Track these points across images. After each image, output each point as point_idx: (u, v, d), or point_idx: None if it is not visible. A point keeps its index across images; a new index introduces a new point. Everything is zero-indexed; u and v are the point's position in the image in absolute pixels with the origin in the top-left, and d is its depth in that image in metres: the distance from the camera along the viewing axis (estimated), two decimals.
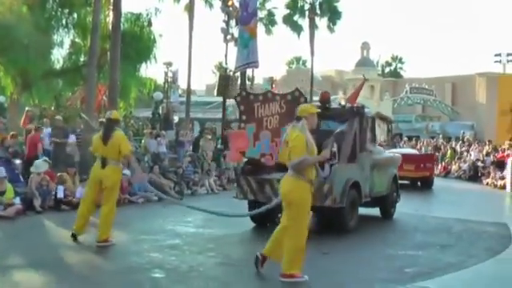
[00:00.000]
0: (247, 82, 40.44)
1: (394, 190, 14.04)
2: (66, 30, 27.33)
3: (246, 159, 12.26)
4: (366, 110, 12.91)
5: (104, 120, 10.99)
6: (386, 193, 13.55)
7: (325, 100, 12.57)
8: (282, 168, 8.63)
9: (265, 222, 11.71)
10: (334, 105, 13.68)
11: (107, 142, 9.81)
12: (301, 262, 7.63)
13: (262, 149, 11.70)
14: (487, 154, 27.34)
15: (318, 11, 49.16)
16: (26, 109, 23.09)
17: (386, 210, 13.81)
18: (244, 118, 12.08)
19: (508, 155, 24.84)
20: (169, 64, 38.32)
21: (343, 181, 11.37)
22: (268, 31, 49.86)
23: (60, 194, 13.76)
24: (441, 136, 36.58)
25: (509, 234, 12.23)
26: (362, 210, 12.58)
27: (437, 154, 32.85)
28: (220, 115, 28.39)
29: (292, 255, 7.59)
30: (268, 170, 11.66)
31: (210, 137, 25.14)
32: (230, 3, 28.33)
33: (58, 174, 14.48)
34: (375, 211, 13.77)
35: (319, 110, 8.43)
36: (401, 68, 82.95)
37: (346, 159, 11.57)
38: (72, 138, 17.81)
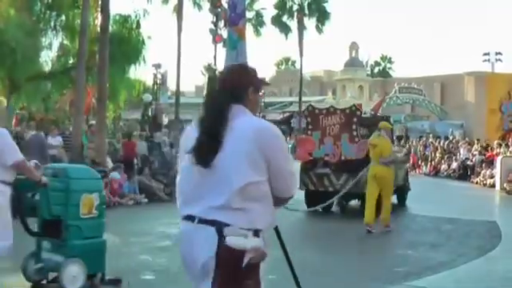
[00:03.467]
0: None
1: (407, 181, 16.75)
2: (54, 32, 27.23)
3: (311, 158, 14.96)
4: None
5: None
6: (403, 183, 16.11)
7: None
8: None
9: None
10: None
11: None
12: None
13: (326, 150, 14.79)
14: (479, 153, 27.42)
15: (307, 12, 49.26)
16: (16, 111, 23.01)
17: (403, 197, 16.44)
18: (311, 126, 15.29)
19: (497, 154, 24.93)
20: (158, 66, 38.25)
21: None
22: (257, 32, 49.89)
23: None
24: (431, 135, 36.66)
25: (498, 232, 12.28)
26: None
27: (426, 153, 32.98)
28: None
29: (388, 212, 12.15)
30: (321, 167, 14.71)
31: None
32: (218, 4, 28.34)
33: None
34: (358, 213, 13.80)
35: (391, 126, 14.02)
36: (390, 68, 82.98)
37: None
38: (58, 140, 17.68)
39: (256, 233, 3.23)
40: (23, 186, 6.58)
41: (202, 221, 3.22)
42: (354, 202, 15.51)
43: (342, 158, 14.53)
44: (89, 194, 6.91)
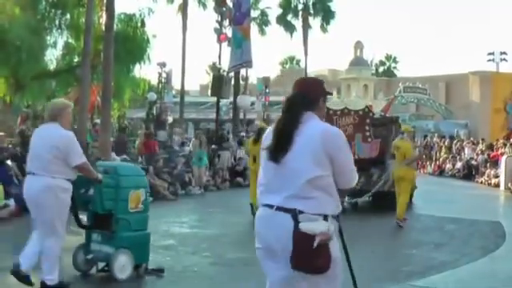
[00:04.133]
0: (241, 82, 40.52)
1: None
2: (59, 30, 27.29)
3: None
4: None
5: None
6: None
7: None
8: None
9: None
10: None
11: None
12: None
13: None
14: (481, 152, 27.37)
15: (312, 11, 49.24)
16: (23, 110, 23.06)
17: (411, 195, 16.08)
18: None
19: (502, 153, 24.88)
20: (162, 64, 38.27)
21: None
22: (261, 31, 49.88)
23: None
24: (436, 135, 36.61)
25: (502, 232, 12.25)
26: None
27: (431, 152, 32.91)
28: (214, 115, 28.38)
29: (403, 207, 12.87)
30: None
31: (204, 137, 25.13)
32: (222, 3, 28.32)
33: None
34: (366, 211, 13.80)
35: (412, 130, 14.96)
36: (395, 67, 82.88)
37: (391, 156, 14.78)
38: None
39: (325, 217, 3.90)
40: (77, 183, 6.96)
41: (280, 208, 3.89)
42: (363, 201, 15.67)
43: (356, 157, 14.39)
44: (136, 190, 7.50)
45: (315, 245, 3.75)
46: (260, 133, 13.12)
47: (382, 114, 18.17)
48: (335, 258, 3.95)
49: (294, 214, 3.82)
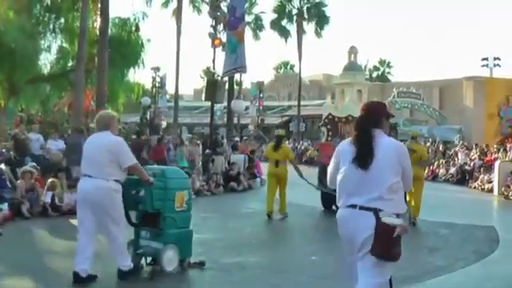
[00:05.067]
0: (235, 86, 40.58)
1: None
2: (53, 34, 27.31)
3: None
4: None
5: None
6: None
7: None
8: None
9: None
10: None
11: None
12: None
13: None
14: (479, 158, 27.42)
15: (306, 16, 49.33)
16: (18, 114, 23.01)
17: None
18: (330, 133, 16.77)
19: (495, 158, 24.94)
20: (157, 69, 38.35)
21: None
22: (256, 36, 49.97)
23: (47, 200, 13.66)
24: (430, 140, 36.71)
25: (496, 237, 12.27)
26: None
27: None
28: (208, 120, 28.36)
29: (419, 204, 14.02)
30: None
31: (198, 142, 25.13)
32: (217, 7, 28.31)
33: (50, 180, 14.26)
34: None
35: (420, 135, 16.32)
36: (388, 72, 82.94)
37: None
38: (60, 145, 17.70)
39: (397, 215, 4.93)
40: (128, 185, 7.70)
41: (363, 208, 4.87)
42: None
43: None
44: (181, 191, 8.27)
45: (395, 235, 4.72)
46: (279, 140, 14.90)
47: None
48: None
49: (375, 212, 4.82)
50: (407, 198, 13.45)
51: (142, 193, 7.91)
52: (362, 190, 4.89)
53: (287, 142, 34.35)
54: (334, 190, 5.18)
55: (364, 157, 4.93)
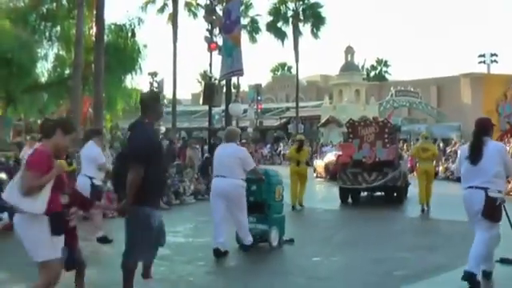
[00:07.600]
0: (233, 90, 40.55)
1: (407, 179, 19.71)
2: (49, 43, 27.32)
3: (349, 160, 18.79)
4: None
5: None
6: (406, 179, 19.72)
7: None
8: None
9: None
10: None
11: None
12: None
13: (364, 153, 18.31)
14: None
15: (302, 17, 49.28)
16: (14, 123, 22.99)
17: (406, 192, 19.28)
18: (351, 135, 18.97)
19: None
20: (154, 74, 38.34)
21: (404, 171, 18.86)
22: (252, 39, 49.98)
23: None
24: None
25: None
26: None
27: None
28: (206, 124, 28.38)
29: (430, 193, 16.33)
30: (354, 167, 18.19)
31: (197, 146, 25.13)
32: (212, 11, 28.31)
33: None
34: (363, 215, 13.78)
35: (429, 135, 19.16)
36: (386, 71, 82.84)
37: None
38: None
39: (500, 192, 7.68)
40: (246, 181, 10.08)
41: (478, 187, 7.60)
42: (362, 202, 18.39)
43: (376, 159, 18.21)
44: (279, 186, 10.89)
45: (497, 203, 7.55)
46: (301, 144, 17.38)
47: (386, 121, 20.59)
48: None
49: (485, 190, 7.54)
50: (421, 190, 16.16)
51: (254, 188, 10.45)
52: (476, 177, 7.60)
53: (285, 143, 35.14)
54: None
55: (474, 156, 7.69)
